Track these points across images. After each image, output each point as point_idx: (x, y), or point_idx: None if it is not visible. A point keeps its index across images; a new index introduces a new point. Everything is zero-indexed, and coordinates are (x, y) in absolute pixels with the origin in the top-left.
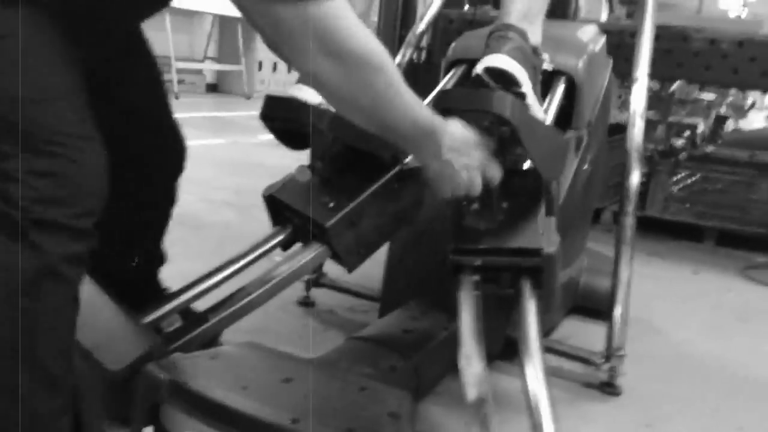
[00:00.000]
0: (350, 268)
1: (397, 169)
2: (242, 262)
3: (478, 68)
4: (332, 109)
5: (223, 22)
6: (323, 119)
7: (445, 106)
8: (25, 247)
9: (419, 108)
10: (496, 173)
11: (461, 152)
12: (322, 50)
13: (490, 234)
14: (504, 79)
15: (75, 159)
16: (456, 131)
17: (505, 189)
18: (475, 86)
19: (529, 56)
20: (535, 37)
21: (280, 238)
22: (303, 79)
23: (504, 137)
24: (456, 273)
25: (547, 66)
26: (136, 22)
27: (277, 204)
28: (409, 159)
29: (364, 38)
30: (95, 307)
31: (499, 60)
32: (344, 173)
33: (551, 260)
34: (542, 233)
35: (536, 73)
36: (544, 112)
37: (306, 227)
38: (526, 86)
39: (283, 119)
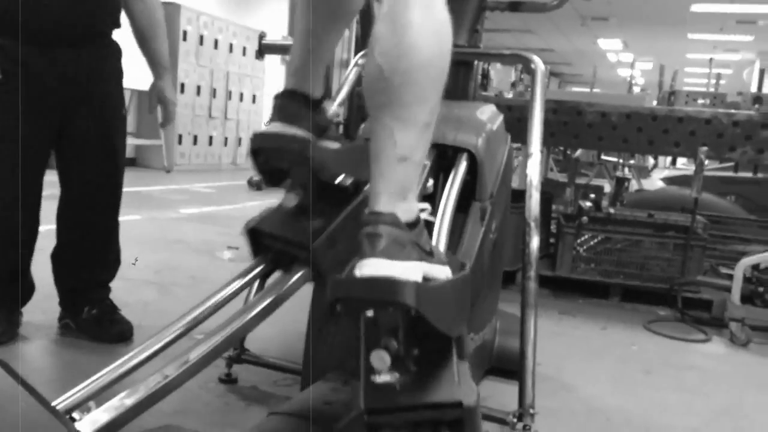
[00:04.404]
0: None
1: (362, 195)
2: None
3: (356, 274)
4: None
5: (141, 97)
6: (308, 148)
7: (345, 296)
8: None
9: None
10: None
11: None
12: None
13: (405, 388)
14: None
15: None
16: None
17: (414, 335)
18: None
19: (405, 241)
20: (409, 213)
21: (261, 267)
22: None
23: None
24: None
25: (429, 217)
26: None
27: (258, 235)
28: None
29: None
30: (7, 395)
31: (373, 267)
32: (317, 201)
33: (471, 412)
34: (458, 381)
35: (420, 247)
36: (449, 187)
37: (288, 253)
38: (412, 271)
39: (273, 151)
